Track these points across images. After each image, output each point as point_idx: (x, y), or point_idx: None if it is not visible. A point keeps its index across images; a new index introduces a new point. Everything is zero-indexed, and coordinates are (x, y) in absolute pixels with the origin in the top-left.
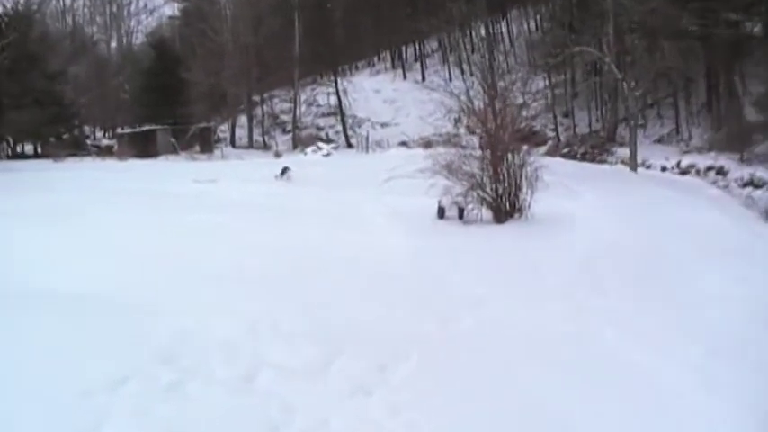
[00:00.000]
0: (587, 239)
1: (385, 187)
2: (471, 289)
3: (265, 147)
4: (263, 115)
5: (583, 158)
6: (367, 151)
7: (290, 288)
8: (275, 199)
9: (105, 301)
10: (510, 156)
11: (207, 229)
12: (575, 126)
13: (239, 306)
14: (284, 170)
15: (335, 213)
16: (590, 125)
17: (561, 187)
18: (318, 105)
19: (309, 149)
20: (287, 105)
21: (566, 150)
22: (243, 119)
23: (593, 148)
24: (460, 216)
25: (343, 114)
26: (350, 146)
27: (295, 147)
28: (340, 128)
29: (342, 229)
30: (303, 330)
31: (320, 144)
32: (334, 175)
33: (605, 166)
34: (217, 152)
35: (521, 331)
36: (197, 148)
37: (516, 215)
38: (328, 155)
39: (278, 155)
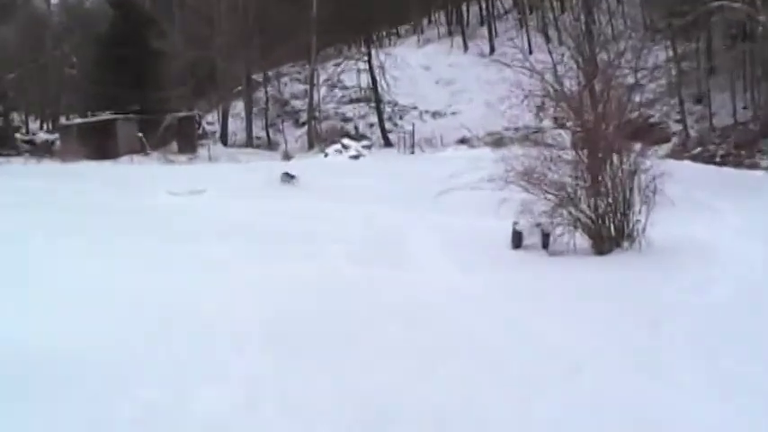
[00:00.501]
0: (731, 281)
1: (438, 203)
2: (563, 351)
3: (270, 145)
4: (268, 101)
5: (723, 162)
6: (412, 152)
7: (309, 349)
8: (284, 219)
9: (49, 368)
10: (616, 158)
11: (190, 263)
12: (711, 116)
13: (233, 370)
14: (286, 176)
15: (370, 240)
16: (734, 114)
17: (692, 204)
18: (344, 88)
19: (331, 149)
20: (301, 88)
21: (698, 150)
22: (239, 106)
23: (738, 148)
24: (545, 244)
25: (378, 100)
26: (388, 144)
27: (311, 145)
28: (374, 119)
29: (381, 263)
30: (328, 410)
31: (346, 142)
32: (365, 185)
33: (758, 173)
34: (202, 152)
35: (634, 417)
36: (174, 145)
37: (625, 243)
38: (358, 156)
39: (288, 156)
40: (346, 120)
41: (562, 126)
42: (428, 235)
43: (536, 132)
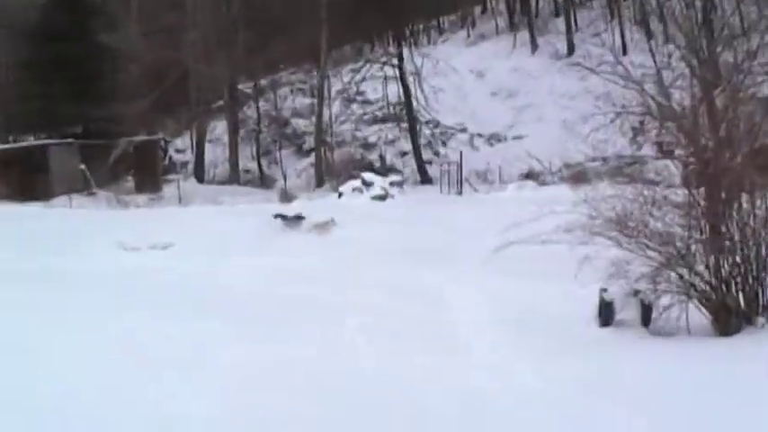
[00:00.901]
0: None
1: (495, 263)
2: None
3: (263, 181)
4: (260, 120)
5: None
6: (460, 191)
7: None
8: (282, 282)
9: None
10: (745, 200)
11: (145, 351)
12: None
13: None
14: (292, 219)
15: (399, 314)
16: None
17: None
18: (366, 102)
19: (348, 187)
20: (306, 102)
21: None
22: (221, 127)
23: None
24: (645, 321)
25: (413, 120)
26: (426, 180)
27: (320, 182)
28: (407, 146)
29: (415, 347)
30: None
31: (368, 177)
32: (394, 236)
33: None
34: (169, 191)
35: None
36: (130, 182)
37: (760, 320)
38: (384, 197)
39: (288, 197)
40: (368, 147)
41: (669, 155)
42: (481, 307)
43: (632, 164)
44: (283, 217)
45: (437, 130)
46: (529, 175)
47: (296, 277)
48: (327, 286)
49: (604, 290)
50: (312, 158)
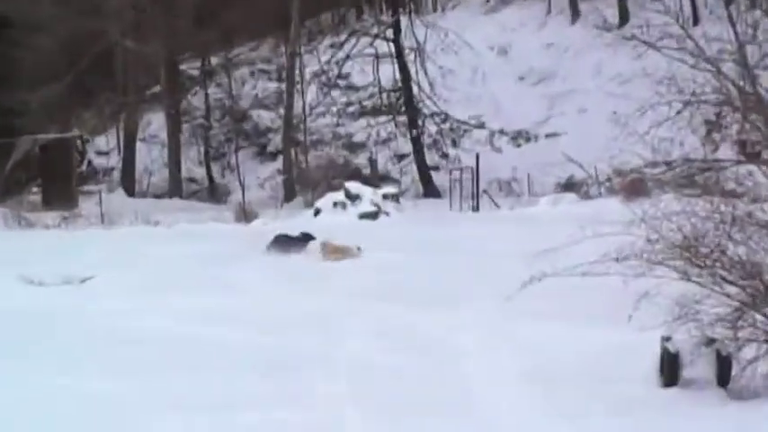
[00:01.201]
0: None
1: (523, 301)
2: None
3: (214, 194)
4: (209, 113)
5: None
6: (476, 206)
7: None
8: (237, 329)
9: None
10: None
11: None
12: None
13: None
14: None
15: (406, 375)
16: None
17: None
18: (351, 88)
19: (327, 201)
20: (271, 88)
21: None
22: (157, 122)
23: None
24: (723, 378)
25: (413, 110)
26: (432, 192)
27: (291, 196)
28: (406, 146)
29: (418, 417)
30: None
31: (354, 187)
32: (388, 265)
33: None
34: (88, 206)
35: None
36: (34, 193)
37: None
38: (376, 214)
39: (247, 215)
40: (354, 147)
41: (755, 158)
42: (505, 358)
43: (706, 171)
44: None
45: (446, 126)
46: (567, 186)
47: (252, 321)
48: (297, 336)
49: (668, 338)
50: (279, 163)
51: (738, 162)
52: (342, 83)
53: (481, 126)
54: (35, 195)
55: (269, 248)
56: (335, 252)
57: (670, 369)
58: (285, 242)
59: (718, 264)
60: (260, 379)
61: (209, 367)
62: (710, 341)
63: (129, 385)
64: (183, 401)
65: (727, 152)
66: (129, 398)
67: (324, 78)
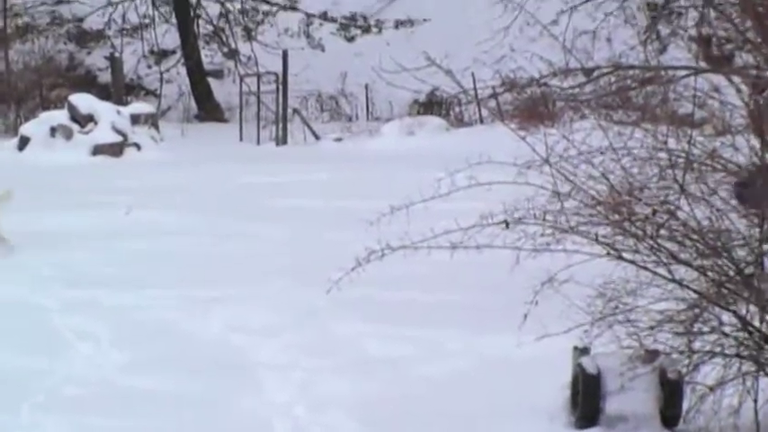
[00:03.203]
0: None
1: (356, 290)
2: None
3: None
4: None
5: None
6: (282, 137)
7: None
8: None
9: None
10: None
11: None
12: None
13: None
14: None
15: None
16: None
17: None
18: None
19: (40, 126)
20: None
21: None
22: None
23: None
24: (671, 416)
25: None
26: (208, 112)
27: None
28: (171, 36)
29: None
30: None
31: (82, 102)
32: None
33: None
34: None
35: None
36: None
37: None
38: (121, 148)
39: None
40: (86, 37)
41: (724, 66)
42: (336, 382)
43: (647, 84)
44: None
45: (234, 6)
46: (428, 105)
47: None
48: None
49: (584, 349)
50: None
51: (697, 72)
52: None
53: (293, 7)
54: None
55: None
56: None
57: (587, 398)
58: None
59: (664, 232)
60: None
61: None
62: (651, 355)
63: None
64: None
65: (678, 54)
66: None
67: None
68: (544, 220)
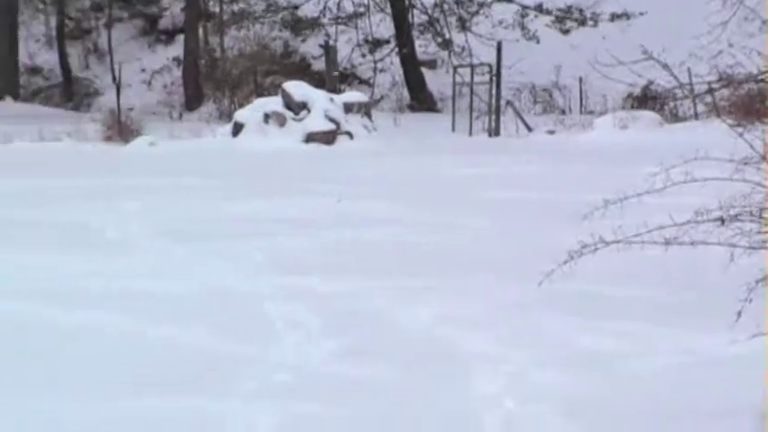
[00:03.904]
0: None
1: (566, 281)
2: None
3: (70, 94)
4: None
5: None
6: (495, 129)
7: None
8: None
9: None
10: None
11: None
12: None
13: None
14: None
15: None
16: None
17: None
18: None
19: (254, 113)
20: None
21: None
22: None
23: None
24: None
25: None
26: (421, 102)
27: (195, 102)
28: (386, 27)
29: None
30: None
31: (298, 90)
32: (366, 218)
33: None
34: None
35: None
36: None
37: None
38: (333, 137)
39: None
40: (300, 24)
41: None
42: (538, 374)
43: None
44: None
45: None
46: (643, 99)
47: None
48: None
49: None
50: (177, 48)
51: None
52: None
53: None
54: None
55: None
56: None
57: None
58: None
59: None
60: None
61: None
62: None
63: None
64: None
65: None
66: None
67: None
68: (761, 217)
